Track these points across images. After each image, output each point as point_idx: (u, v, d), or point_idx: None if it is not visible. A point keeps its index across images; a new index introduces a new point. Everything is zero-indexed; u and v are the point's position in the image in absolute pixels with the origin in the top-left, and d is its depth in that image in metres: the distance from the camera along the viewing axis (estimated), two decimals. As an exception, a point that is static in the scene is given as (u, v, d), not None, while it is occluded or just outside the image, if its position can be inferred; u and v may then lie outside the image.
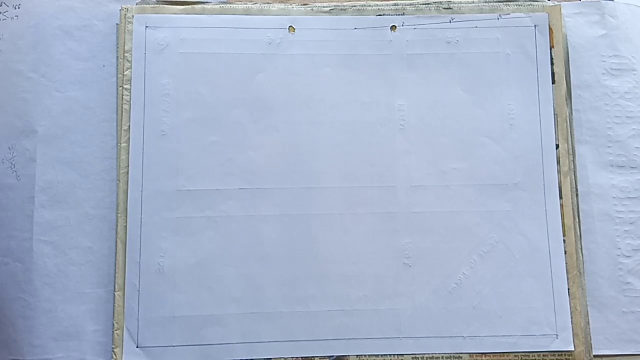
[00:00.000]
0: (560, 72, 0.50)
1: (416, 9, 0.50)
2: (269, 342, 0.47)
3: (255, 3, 0.51)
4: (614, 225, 0.49)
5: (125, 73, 0.49)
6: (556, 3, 0.51)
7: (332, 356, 0.47)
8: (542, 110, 0.50)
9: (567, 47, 0.51)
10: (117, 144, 0.49)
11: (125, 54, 0.49)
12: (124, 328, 0.46)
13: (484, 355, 0.47)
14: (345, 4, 0.51)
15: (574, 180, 0.49)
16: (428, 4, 0.51)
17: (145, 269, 0.47)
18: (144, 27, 0.50)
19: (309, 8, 0.51)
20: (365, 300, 0.47)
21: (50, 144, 0.49)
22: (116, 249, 0.47)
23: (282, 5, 0.51)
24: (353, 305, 0.47)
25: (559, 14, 0.51)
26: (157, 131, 0.49)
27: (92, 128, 0.49)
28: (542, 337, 0.47)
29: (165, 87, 0.49)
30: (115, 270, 0.47)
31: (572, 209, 0.48)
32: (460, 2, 0.51)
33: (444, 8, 0.50)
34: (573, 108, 0.50)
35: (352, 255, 0.48)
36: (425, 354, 0.47)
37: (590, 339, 0.47)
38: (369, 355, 0.47)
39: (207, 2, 0.51)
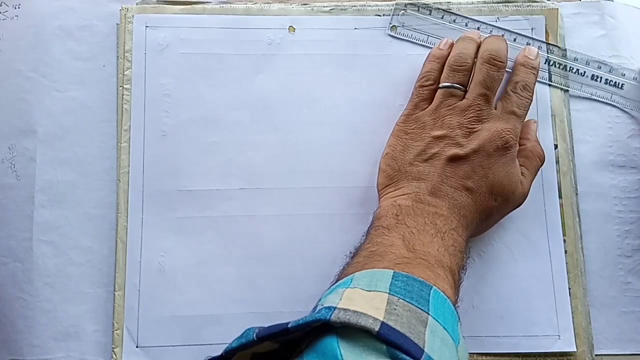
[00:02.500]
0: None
1: (416, 10, 0.50)
2: (269, 342, 0.46)
3: (255, 3, 0.51)
4: (614, 225, 0.49)
5: (125, 73, 0.49)
6: (556, 4, 0.51)
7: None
8: (540, 111, 0.50)
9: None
10: (117, 144, 0.49)
11: (126, 54, 0.49)
12: (124, 328, 0.46)
13: (485, 356, 0.46)
14: (345, 4, 0.51)
15: (573, 180, 0.49)
16: (428, 4, 0.51)
17: (145, 268, 0.47)
18: (144, 27, 0.50)
19: (309, 8, 0.51)
20: (365, 300, 0.47)
21: (50, 144, 0.49)
22: (116, 249, 0.47)
23: (282, 5, 0.51)
24: (353, 305, 0.47)
25: (555, 17, 0.51)
26: (158, 131, 0.49)
27: (92, 128, 0.49)
28: (544, 338, 0.47)
29: (166, 87, 0.49)
30: (115, 270, 0.47)
31: (572, 208, 0.48)
32: (460, 4, 0.51)
33: (444, 9, 0.51)
34: (573, 108, 0.50)
35: (352, 255, 0.48)
36: (425, 354, 0.47)
37: (592, 339, 0.47)
38: (369, 355, 0.47)
39: (207, 2, 0.51)
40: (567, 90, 0.50)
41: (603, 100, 0.50)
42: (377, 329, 0.30)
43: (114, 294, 0.47)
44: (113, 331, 0.46)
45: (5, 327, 0.47)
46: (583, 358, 0.46)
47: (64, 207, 0.48)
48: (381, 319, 0.31)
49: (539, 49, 0.50)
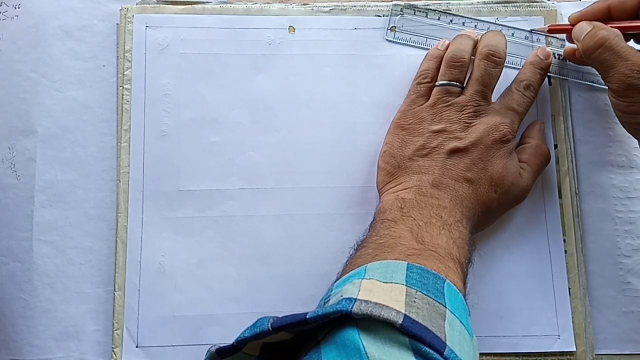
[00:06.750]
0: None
1: (415, 10, 0.51)
2: (269, 342, 0.46)
3: (255, 3, 0.51)
4: (614, 225, 0.49)
5: (125, 73, 0.49)
6: (555, 4, 0.51)
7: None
8: (540, 111, 0.50)
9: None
10: (117, 144, 0.49)
11: (126, 54, 0.49)
12: (124, 328, 0.46)
13: (485, 356, 0.46)
14: (345, 4, 0.51)
15: (573, 180, 0.49)
16: (427, 5, 0.51)
17: (145, 268, 0.47)
18: (144, 27, 0.50)
19: (309, 8, 0.51)
20: (365, 300, 0.47)
21: (50, 144, 0.49)
22: (116, 249, 0.47)
23: (282, 5, 0.51)
24: (353, 305, 0.47)
25: (555, 18, 0.51)
26: (158, 131, 0.49)
27: (92, 128, 0.49)
28: (544, 338, 0.47)
29: (166, 87, 0.49)
30: (115, 270, 0.47)
31: (572, 208, 0.48)
32: (459, 4, 0.51)
33: (440, 10, 0.51)
34: (573, 108, 0.50)
35: (352, 255, 0.48)
36: (426, 354, 0.47)
37: (593, 339, 0.47)
38: (369, 355, 0.47)
39: (207, 2, 0.51)
40: (568, 80, 0.50)
41: (605, 87, 0.49)
42: (400, 322, 0.30)
43: (114, 294, 0.47)
44: (113, 331, 0.46)
45: (5, 327, 0.47)
46: (583, 358, 0.46)
47: (64, 207, 0.48)
48: (403, 311, 0.31)
49: (537, 40, 0.50)
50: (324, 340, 0.31)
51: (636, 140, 0.49)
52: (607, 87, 0.45)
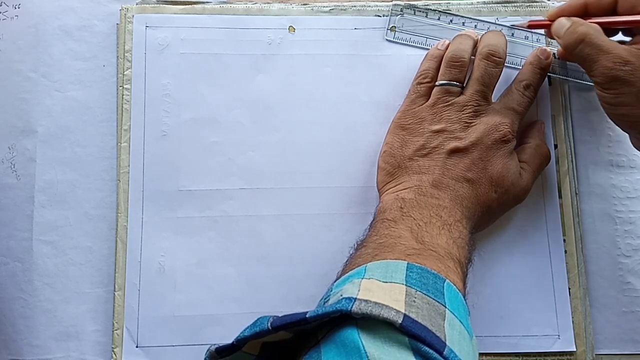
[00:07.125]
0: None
1: (415, 10, 0.51)
2: (269, 342, 0.46)
3: (255, 3, 0.51)
4: (614, 225, 0.49)
5: (125, 73, 0.49)
6: (555, 4, 0.51)
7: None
8: (539, 112, 0.50)
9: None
10: (117, 144, 0.49)
11: (126, 54, 0.49)
12: (124, 328, 0.46)
13: (484, 356, 0.46)
14: (345, 4, 0.51)
15: (573, 180, 0.49)
16: (427, 5, 0.51)
17: (145, 268, 0.47)
18: (144, 27, 0.50)
19: (309, 8, 0.51)
20: (365, 300, 0.47)
21: (50, 144, 0.49)
22: (116, 249, 0.47)
23: (282, 5, 0.51)
24: (353, 305, 0.47)
25: (554, 18, 0.51)
26: (158, 131, 0.49)
27: (92, 128, 0.49)
28: (544, 338, 0.47)
29: (166, 87, 0.49)
30: (115, 270, 0.47)
31: (572, 209, 0.48)
32: (459, 4, 0.51)
33: (440, 10, 0.51)
34: (573, 108, 0.50)
35: (352, 255, 0.48)
36: (426, 354, 0.46)
37: (593, 339, 0.47)
38: (369, 355, 0.46)
39: (207, 2, 0.51)
40: (568, 80, 0.50)
41: None
42: (400, 321, 0.30)
43: (114, 294, 0.47)
44: (113, 331, 0.46)
45: (5, 327, 0.47)
46: (583, 358, 0.46)
47: (64, 207, 0.48)
48: (403, 311, 0.31)
49: (537, 40, 0.50)
50: (323, 340, 0.31)
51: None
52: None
